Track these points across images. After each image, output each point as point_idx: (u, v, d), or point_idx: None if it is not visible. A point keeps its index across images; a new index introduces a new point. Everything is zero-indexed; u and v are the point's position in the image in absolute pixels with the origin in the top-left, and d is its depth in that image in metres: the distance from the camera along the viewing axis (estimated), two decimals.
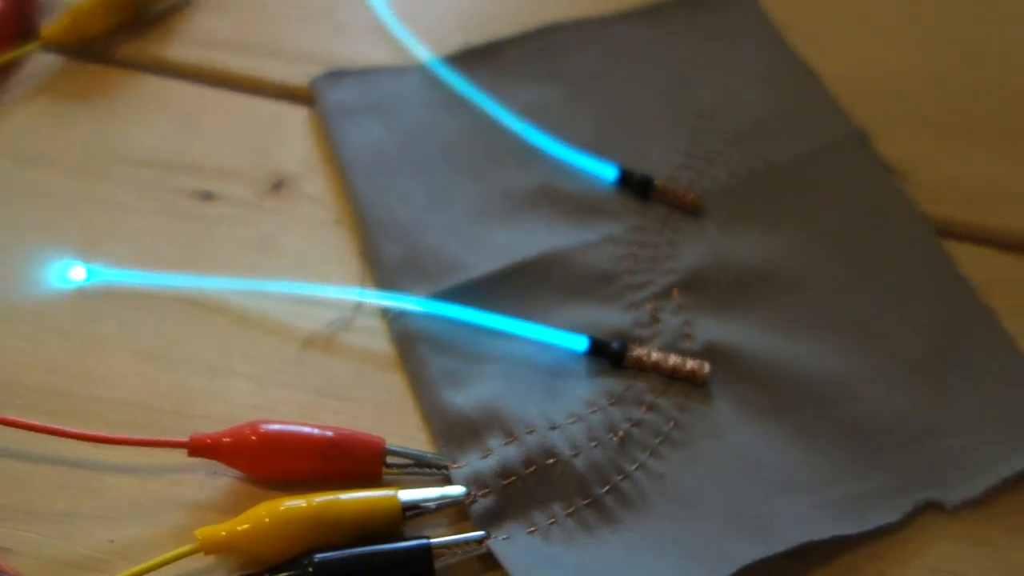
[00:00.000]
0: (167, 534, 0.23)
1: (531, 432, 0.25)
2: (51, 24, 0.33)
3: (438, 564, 0.23)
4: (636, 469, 0.25)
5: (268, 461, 0.24)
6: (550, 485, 0.25)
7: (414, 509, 0.23)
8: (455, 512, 0.24)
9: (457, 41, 0.34)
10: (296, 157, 0.32)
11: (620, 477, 0.25)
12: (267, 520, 0.22)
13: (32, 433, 0.24)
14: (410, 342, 0.27)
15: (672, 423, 0.26)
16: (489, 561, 0.23)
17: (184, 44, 0.34)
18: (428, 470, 0.25)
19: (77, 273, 0.28)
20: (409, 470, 0.25)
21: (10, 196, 0.30)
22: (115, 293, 0.28)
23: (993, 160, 0.33)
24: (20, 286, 0.27)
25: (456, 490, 0.24)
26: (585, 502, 0.25)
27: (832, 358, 0.28)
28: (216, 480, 0.24)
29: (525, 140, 0.32)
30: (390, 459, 0.24)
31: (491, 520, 0.24)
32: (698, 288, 0.29)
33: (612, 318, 0.28)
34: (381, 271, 0.29)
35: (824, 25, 0.37)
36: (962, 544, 0.25)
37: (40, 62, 0.33)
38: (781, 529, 0.24)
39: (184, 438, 0.24)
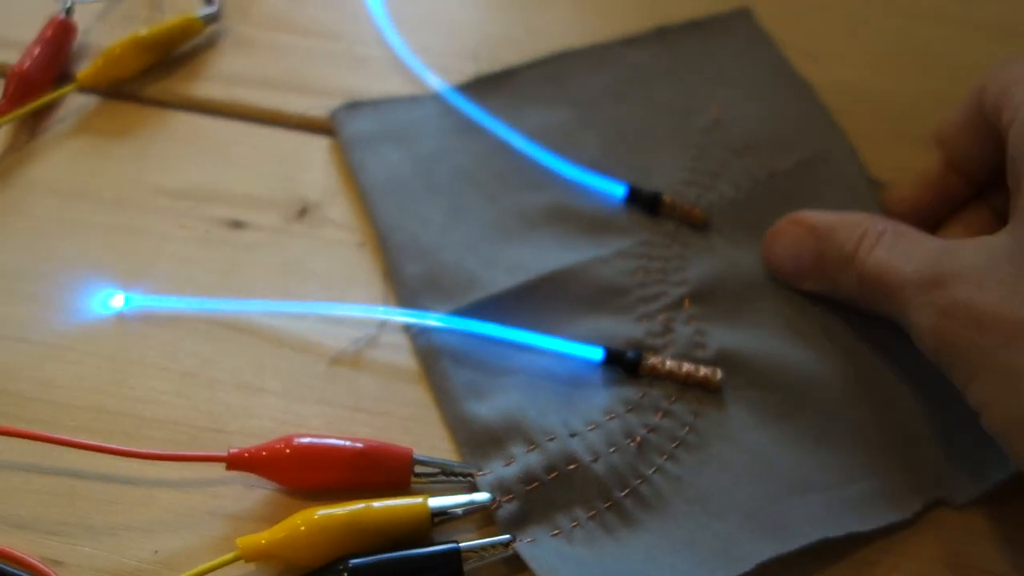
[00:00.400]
0: (209, 544, 0.24)
1: (552, 440, 0.26)
2: (85, 67, 0.34)
3: (467, 567, 0.23)
4: (654, 472, 0.26)
5: (302, 473, 0.25)
6: (572, 490, 0.25)
7: (442, 515, 0.24)
8: (481, 517, 0.25)
9: (468, 70, 0.35)
10: (319, 184, 0.32)
11: (639, 481, 0.26)
12: (303, 528, 0.23)
13: (82, 452, 0.25)
14: (433, 357, 0.28)
15: (687, 428, 0.27)
16: (515, 563, 0.24)
17: (210, 82, 0.35)
18: (454, 478, 0.25)
19: (117, 301, 0.29)
20: (436, 478, 0.25)
21: (55, 230, 0.30)
22: (153, 318, 0.28)
23: None
24: (67, 315, 0.28)
25: (482, 496, 0.24)
26: (606, 505, 0.25)
27: (839, 362, 0.28)
28: (253, 492, 0.25)
29: (537, 162, 0.32)
30: (418, 468, 0.25)
31: (516, 524, 0.24)
32: (708, 298, 0.30)
33: (626, 329, 0.29)
34: (403, 290, 0.29)
35: (821, 42, 0.37)
36: (974, 538, 0.25)
37: (76, 103, 0.34)
38: (796, 527, 0.25)
39: (222, 453, 0.24)
